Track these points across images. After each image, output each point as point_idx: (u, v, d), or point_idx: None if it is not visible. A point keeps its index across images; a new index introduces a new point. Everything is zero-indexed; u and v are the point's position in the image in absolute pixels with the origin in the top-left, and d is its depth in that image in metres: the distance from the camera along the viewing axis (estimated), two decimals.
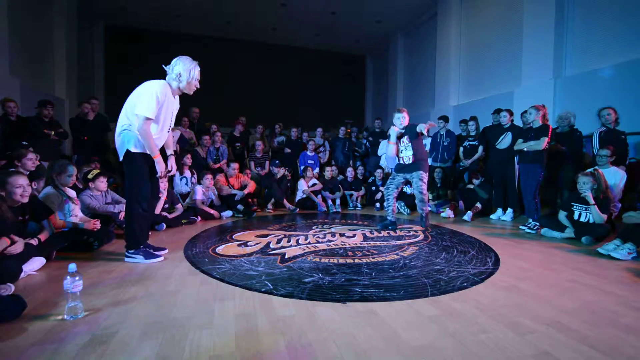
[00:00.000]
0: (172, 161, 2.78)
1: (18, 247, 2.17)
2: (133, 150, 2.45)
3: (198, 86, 2.55)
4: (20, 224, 2.42)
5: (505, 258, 2.75)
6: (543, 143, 3.83)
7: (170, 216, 4.02)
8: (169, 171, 2.73)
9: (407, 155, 3.86)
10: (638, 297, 1.96)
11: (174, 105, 2.61)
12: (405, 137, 3.87)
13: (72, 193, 3.14)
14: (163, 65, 2.50)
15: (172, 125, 2.71)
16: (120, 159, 2.51)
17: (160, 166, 2.51)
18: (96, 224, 2.97)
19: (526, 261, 2.69)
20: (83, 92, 8.33)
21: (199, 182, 4.85)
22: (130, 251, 2.59)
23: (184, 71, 2.43)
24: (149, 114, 2.32)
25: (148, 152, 2.49)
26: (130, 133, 2.43)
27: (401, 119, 3.89)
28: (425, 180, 3.84)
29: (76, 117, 5.42)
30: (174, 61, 2.47)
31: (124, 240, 2.63)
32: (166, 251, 2.82)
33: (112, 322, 1.60)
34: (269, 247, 3.02)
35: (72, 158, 5.17)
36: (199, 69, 2.50)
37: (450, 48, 8.10)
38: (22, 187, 2.30)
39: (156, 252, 2.68)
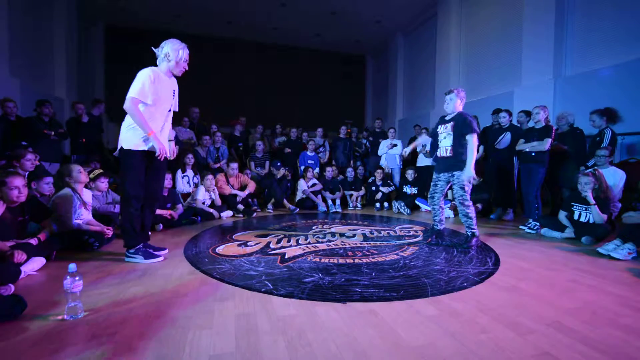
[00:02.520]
0: (171, 146, 2.73)
1: (22, 257, 2.16)
2: (133, 148, 2.44)
3: (186, 67, 2.57)
4: (19, 224, 2.42)
5: (505, 258, 2.75)
6: (547, 144, 3.84)
7: (171, 216, 4.00)
8: (172, 159, 2.75)
9: (446, 146, 3.22)
10: (638, 297, 1.96)
11: (171, 86, 2.59)
12: (451, 123, 3.19)
13: (87, 197, 3.14)
14: (152, 48, 2.53)
15: (176, 108, 2.70)
16: (116, 154, 2.51)
17: (157, 143, 2.43)
18: (109, 231, 3.01)
19: (526, 261, 2.69)
20: (83, 92, 8.34)
21: (200, 182, 4.86)
22: (130, 251, 2.59)
23: (172, 51, 2.47)
24: (136, 94, 2.36)
25: (148, 149, 2.47)
26: (134, 130, 2.43)
27: (449, 102, 3.20)
28: (468, 187, 3.11)
29: (72, 118, 5.41)
30: (163, 43, 2.51)
31: (122, 240, 2.62)
32: (166, 251, 2.82)
33: (112, 322, 1.60)
34: (269, 247, 3.02)
35: (71, 158, 5.17)
36: (188, 51, 2.54)
37: (450, 48, 8.10)
38: (17, 189, 2.29)
39: (156, 252, 2.67)
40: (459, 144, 3.14)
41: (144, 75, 2.39)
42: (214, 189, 4.79)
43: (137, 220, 2.61)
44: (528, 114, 5.01)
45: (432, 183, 3.42)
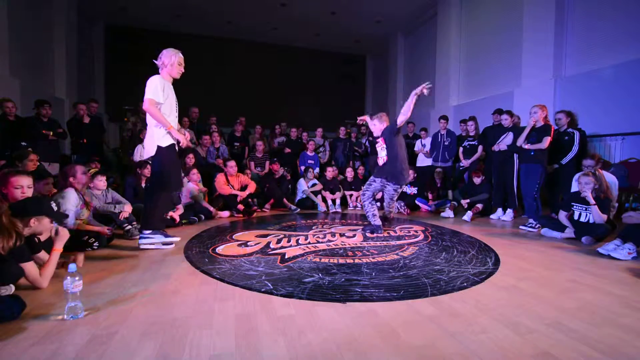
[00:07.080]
0: (185, 133, 3.02)
1: None
2: (163, 144, 2.81)
3: (183, 70, 2.96)
4: None
5: (505, 258, 2.75)
6: (546, 142, 3.85)
7: (172, 218, 4.00)
8: (191, 141, 3.08)
9: (382, 156, 3.68)
10: (638, 297, 1.96)
11: (172, 88, 3.00)
12: (381, 138, 3.66)
13: (88, 198, 3.16)
14: (153, 60, 2.94)
15: (177, 114, 3.04)
16: (152, 153, 2.84)
17: (177, 135, 2.83)
18: (109, 231, 3.05)
19: (526, 261, 2.69)
20: (83, 92, 8.33)
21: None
22: (147, 232, 2.86)
23: (167, 58, 2.88)
24: (152, 96, 2.74)
25: (173, 142, 2.87)
26: (157, 129, 2.79)
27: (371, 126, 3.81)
28: (399, 192, 3.76)
29: (72, 118, 5.41)
30: (160, 55, 2.91)
31: (140, 224, 2.95)
32: (178, 239, 3.09)
33: (112, 322, 1.60)
34: (269, 247, 3.02)
35: (72, 158, 5.17)
36: (181, 55, 2.92)
37: (450, 48, 8.10)
38: (21, 187, 2.32)
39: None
40: (392, 149, 3.60)
41: (155, 80, 2.80)
42: (196, 181, 4.82)
43: (166, 209, 3.12)
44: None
45: (367, 183, 3.85)
